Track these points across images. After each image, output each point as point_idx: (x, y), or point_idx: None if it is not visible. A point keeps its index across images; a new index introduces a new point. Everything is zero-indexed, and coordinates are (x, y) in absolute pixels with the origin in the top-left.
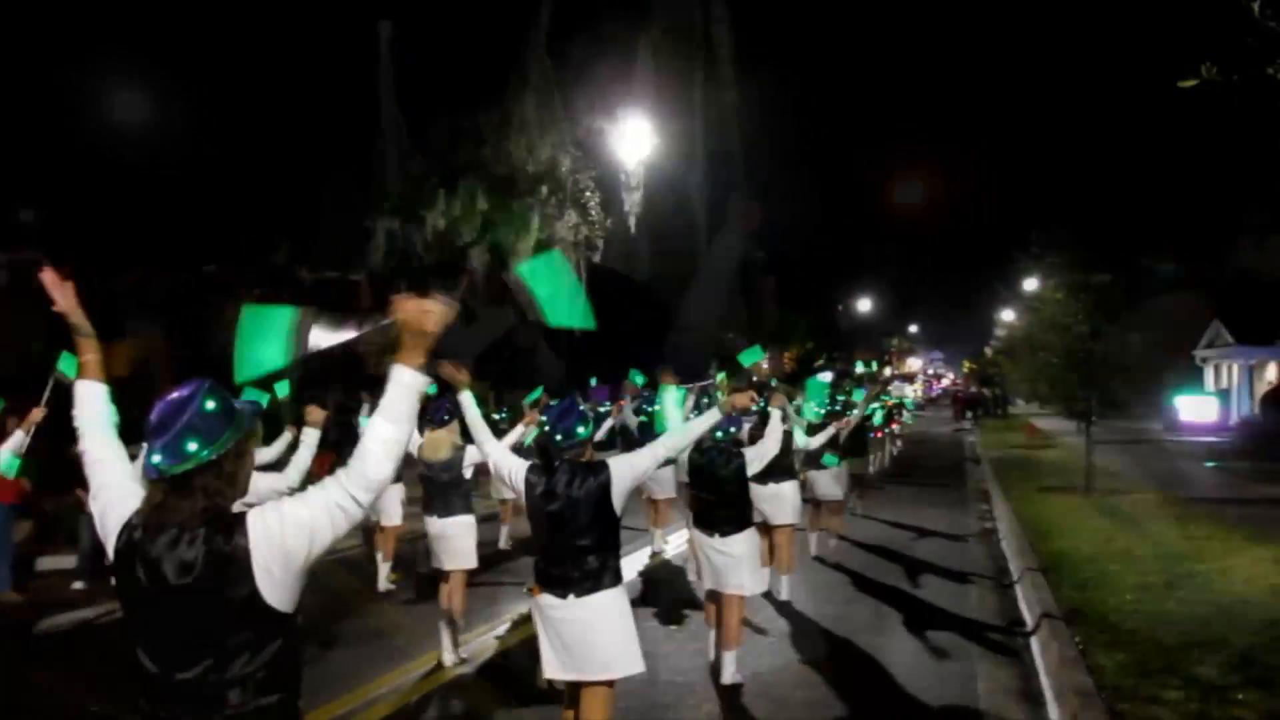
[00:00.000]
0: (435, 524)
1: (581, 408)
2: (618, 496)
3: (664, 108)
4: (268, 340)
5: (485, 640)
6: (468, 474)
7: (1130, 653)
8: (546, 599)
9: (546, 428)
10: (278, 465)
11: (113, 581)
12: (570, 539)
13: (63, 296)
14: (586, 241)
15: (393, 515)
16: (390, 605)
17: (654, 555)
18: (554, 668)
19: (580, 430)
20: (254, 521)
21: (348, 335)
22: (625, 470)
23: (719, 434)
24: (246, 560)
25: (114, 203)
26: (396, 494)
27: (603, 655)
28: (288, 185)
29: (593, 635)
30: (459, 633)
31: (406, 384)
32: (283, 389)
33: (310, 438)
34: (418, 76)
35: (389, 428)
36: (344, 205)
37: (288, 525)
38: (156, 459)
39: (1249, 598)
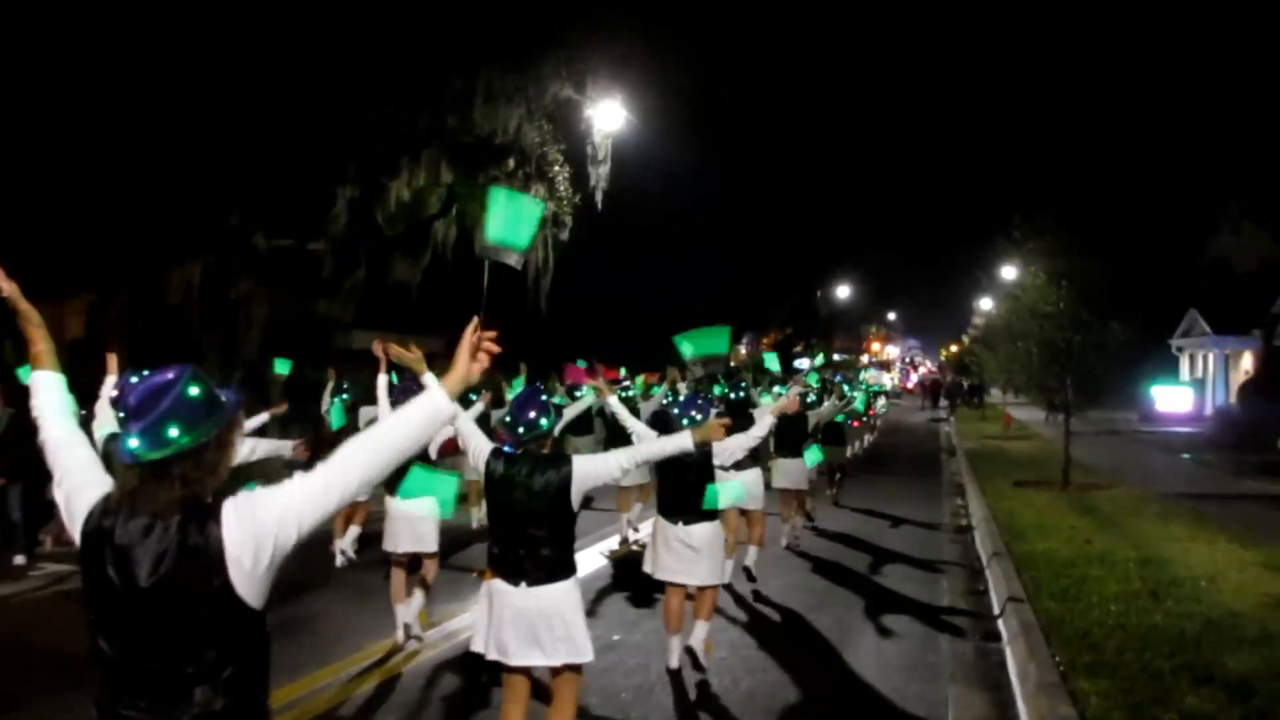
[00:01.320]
0: (398, 505)
1: (543, 398)
2: (575, 495)
3: (637, 80)
4: (519, 222)
5: (444, 626)
6: (432, 455)
7: (1116, 679)
8: (499, 584)
9: (508, 418)
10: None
11: (25, 557)
12: (525, 528)
13: (10, 286)
14: (554, 218)
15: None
16: (342, 587)
17: (623, 542)
18: (496, 650)
19: (543, 422)
20: (229, 511)
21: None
22: (586, 473)
23: (685, 421)
24: (220, 551)
25: (43, 152)
26: None
27: (551, 644)
28: (241, 144)
29: (543, 624)
30: (422, 613)
31: (436, 406)
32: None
33: (279, 447)
34: (373, 35)
35: (397, 440)
36: (301, 168)
37: (262, 515)
38: (134, 444)
39: (1240, 610)
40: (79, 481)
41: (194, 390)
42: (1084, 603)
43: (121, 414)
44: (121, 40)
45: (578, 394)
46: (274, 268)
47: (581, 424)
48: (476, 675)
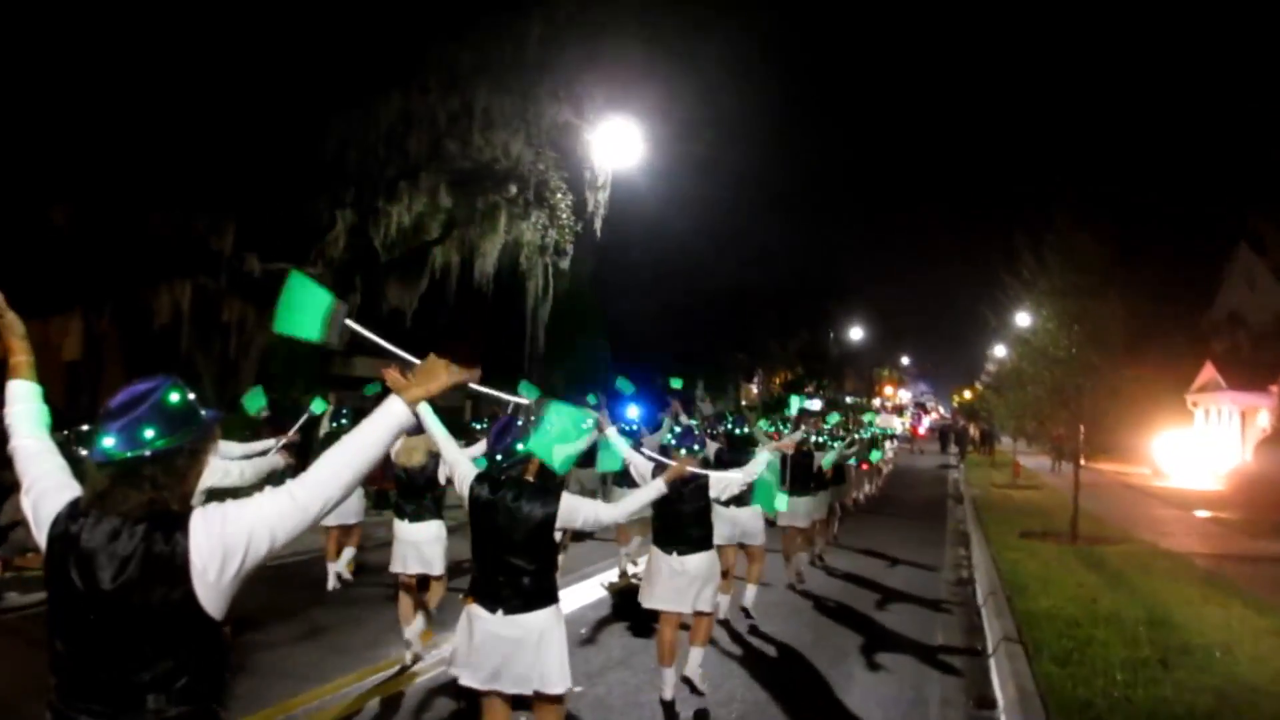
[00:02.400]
0: (405, 528)
1: (519, 423)
2: (559, 529)
3: (642, 109)
4: (307, 313)
5: (444, 649)
6: (442, 480)
7: None
8: (476, 609)
9: (488, 448)
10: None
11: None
12: (505, 555)
13: None
14: (555, 246)
15: (347, 516)
16: (342, 608)
17: (622, 575)
18: (471, 676)
19: (519, 447)
20: (197, 522)
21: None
22: (571, 512)
23: (683, 452)
24: (184, 561)
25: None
26: (355, 496)
27: (529, 672)
28: (235, 165)
29: (519, 653)
30: (425, 634)
31: (395, 414)
32: (255, 402)
33: (273, 462)
34: (371, 57)
35: (360, 450)
36: (295, 190)
37: (230, 528)
38: (108, 443)
39: (1258, 684)
40: (47, 487)
41: (173, 397)
42: (1087, 668)
43: (102, 416)
44: (114, 49)
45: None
46: (268, 291)
47: (584, 456)
48: (471, 699)
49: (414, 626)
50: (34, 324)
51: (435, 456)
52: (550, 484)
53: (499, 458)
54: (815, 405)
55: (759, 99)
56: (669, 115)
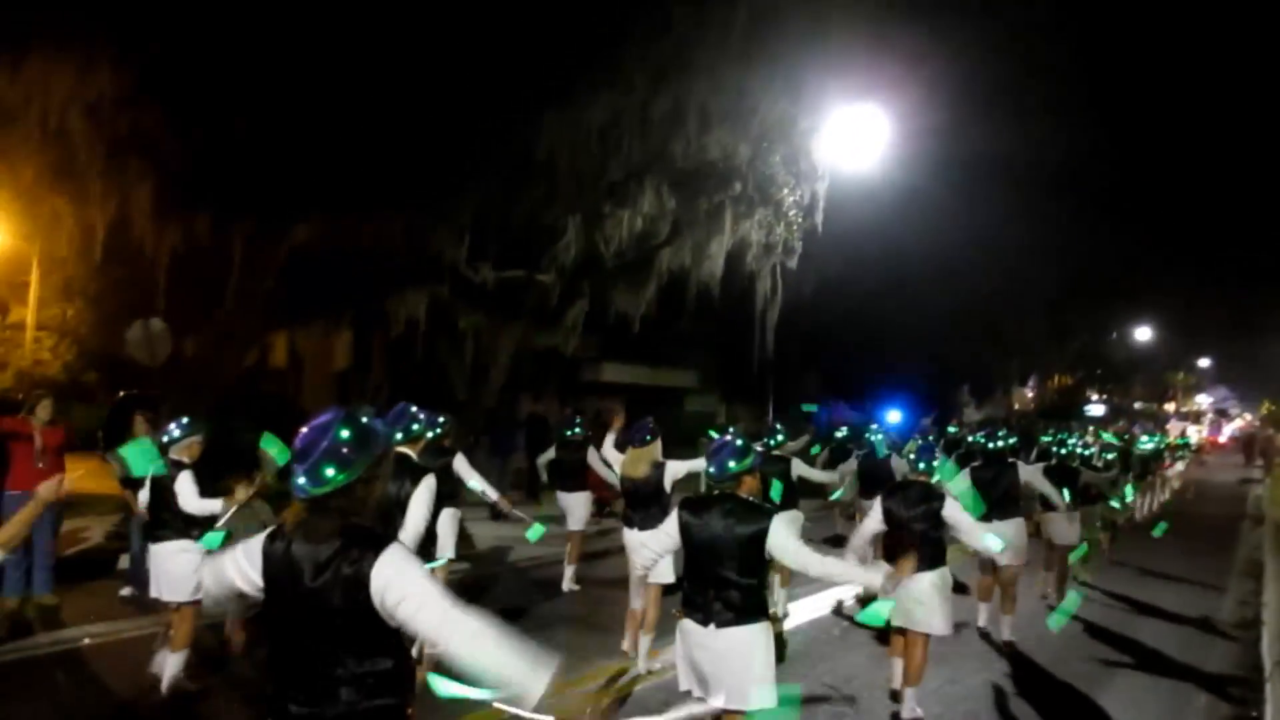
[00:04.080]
0: (634, 536)
1: (739, 443)
2: (768, 549)
3: (889, 97)
4: None
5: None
6: (668, 489)
7: None
8: (688, 624)
9: (703, 460)
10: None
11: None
12: (714, 569)
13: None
14: (783, 244)
15: (579, 520)
16: (576, 613)
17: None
18: (689, 684)
19: (731, 464)
20: (385, 556)
21: None
22: (779, 536)
23: (922, 465)
24: (366, 582)
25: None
26: (584, 501)
27: (737, 687)
28: (460, 174)
29: (729, 666)
30: (650, 642)
31: (513, 690)
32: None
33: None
34: (561, 49)
35: (481, 659)
36: (521, 197)
37: (395, 581)
38: (301, 481)
39: None
40: (239, 546)
41: (344, 433)
42: None
43: (294, 455)
44: (343, 74)
45: (838, 434)
46: (501, 298)
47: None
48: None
49: (641, 643)
50: (304, 337)
51: (660, 467)
52: (764, 503)
53: (712, 470)
54: (1099, 411)
55: (1025, 80)
56: (915, 99)
